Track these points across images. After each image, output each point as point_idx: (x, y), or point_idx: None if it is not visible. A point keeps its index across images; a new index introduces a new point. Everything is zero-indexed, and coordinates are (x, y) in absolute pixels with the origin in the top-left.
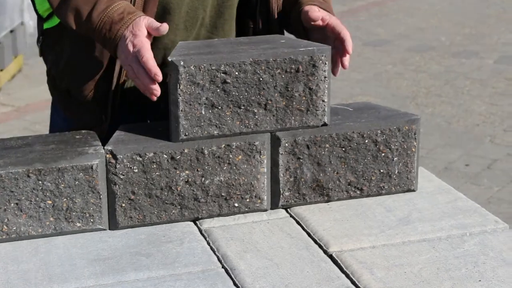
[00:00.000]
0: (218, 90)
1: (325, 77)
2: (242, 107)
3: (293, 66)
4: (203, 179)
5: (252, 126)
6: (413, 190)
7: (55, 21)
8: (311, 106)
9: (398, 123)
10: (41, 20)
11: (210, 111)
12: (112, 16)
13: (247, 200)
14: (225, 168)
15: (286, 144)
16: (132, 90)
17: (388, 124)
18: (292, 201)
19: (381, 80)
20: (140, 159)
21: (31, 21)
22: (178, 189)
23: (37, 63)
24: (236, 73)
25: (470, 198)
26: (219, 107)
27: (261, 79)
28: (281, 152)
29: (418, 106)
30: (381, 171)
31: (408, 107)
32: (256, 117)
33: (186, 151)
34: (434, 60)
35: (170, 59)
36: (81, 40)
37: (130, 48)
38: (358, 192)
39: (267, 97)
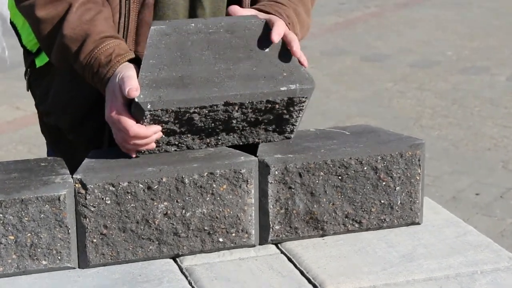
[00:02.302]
0: (183, 122)
1: (300, 110)
2: (204, 133)
3: (269, 106)
4: (183, 211)
5: (213, 143)
6: (418, 223)
7: (45, 58)
8: (278, 128)
9: (400, 148)
10: (29, 54)
11: (170, 136)
12: (99, 58)
13: (233, 234)
14: (208, 199)
15: (276, 172)
16: None
17: (390, 150)
18: (283, 235)
19: (381, 99)
20: (113, 189)
21: None
22: (156, 222)
23: None
24: (206, 111)
25: (481, 232)
26: (180, 134)
27: (231, 116)
28: (270, 181)
29: (422, 129)
30: (382, 201)
31: (412, 130)
32: (219, 137)
33: (164, 180)
34: (439, 76)
35: (136, 100)
36: (69, 73)
37: (113, 105)
38: (357, 225)
39: (234, 125)
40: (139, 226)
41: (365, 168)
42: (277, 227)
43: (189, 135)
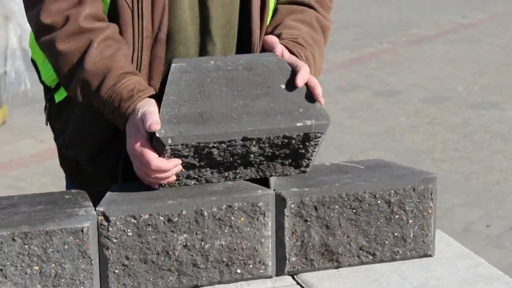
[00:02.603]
0: (202, 157)
1: (316, 145)
2: (223, 167)
3: (286, 140)
4: (202, 243)
5: (231, 177)
6: (430, 255)
7: (63, 93)
8: (294, 162)
9: (413, 182)
10: (48, 90)
11: (190, 170)
12: (121, 93)
13: (250, 266)
14: (226, 231)
15: (292, 205)
16: None
17: (402, 184)
18: (299, 267)
19: (393, 133)
20: (135, 221)
21: (12, 70)
22: (176, 254)
23: (23, 115)
24: (224, 146)
25: (492, 264)
26: (199, 168)
27: (249, 150)
28: (286, 214)
29: (434, 162)
30: (395, 234)
31: (424, 163)
32: (237, 171)
33: (184, 212)
34: (451, 111)
35: (157, 135)
36: (87, 107)
37: (136, 139)
38: (371, 257)
39: (252, 160)
40: (160, 257)
41: (379, 201)
42: (293, 259)
43: (208, 169)
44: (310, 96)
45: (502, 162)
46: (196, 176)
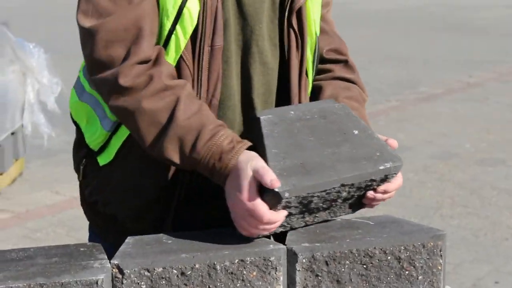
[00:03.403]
0: (301, 206)
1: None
2: (309, 212)
3: (370, 183)
4: None
5: (310, 221)
6: None
7: (109, 156)
8: (358, 203)
9: (422, 239)
10: (90, 151)
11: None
12: (221, 145)
13: None
14: (238, 285)
15: (304, 260)
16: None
17: (412, 240)
18: None
19: (402, 189)
20: (149, 274)
21: (29, 123)
22: None
23: (39, 167)
24: (324, 194)
25: None
26: (291, 216)
27: (340, 195)
28: (298, 269)
29: (443, 218)
30: None
31: (432, 218)
32: (317, 215)
33: (197, 266)
34: (458, 167)
35: (276, 190)
36: (133, 164)
37: (249, 194)
38: None
39: (337, 203)
40: None
41: (389, 257)
42: None
43: (297, 216)
44: (380, 140)
45: (509, 218)
46: (285, 224)
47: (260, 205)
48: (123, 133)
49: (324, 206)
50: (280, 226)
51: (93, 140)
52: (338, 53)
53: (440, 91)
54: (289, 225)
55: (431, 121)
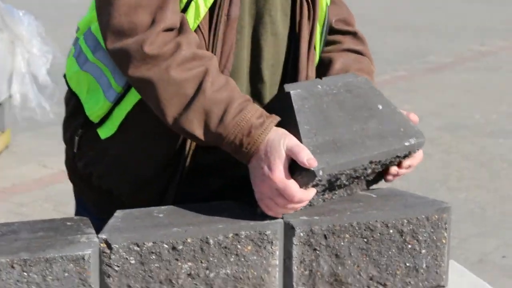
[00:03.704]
0: (329, 183)
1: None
2: (330, 190)
3: (394, 160)
4: (207, 271)
5: (328, 198)
6: (443, 286)
7: (112, 128)
8: (377, 178)
9: (426, 212)
10: (89, 122)
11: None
12: (251, 120)
13: None
14: (232, 260)
15: (301, 234)
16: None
17: (416, 213)
18: None
19: None
20: (138, 249)
21: (18, 94)
22: (180, 282)
23: (26, 139)
24: (352, 171)
25: None
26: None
27: (365, 172)
28: (295, 243)
29: (449, 191)
30: (407, 264)
31: (438, 192)
32: (336, 192)
33: (189, 240)
34: (467, 140)
35: (312, 169)
36: (135, 137)
37: (280, 172)
38: (381, 287)
39: (355, 180)
40: (163, 286)
41: (391, 231)
42: None
43: (319, 193)
44: (404, 115)
45: None
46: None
47: (292, 184)
48: (127, 105)
49: (346, 183)
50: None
51: (94, 112)
52: (347, 24)
53: (450, 60)
54: (309, 203)
55: (439, 92)
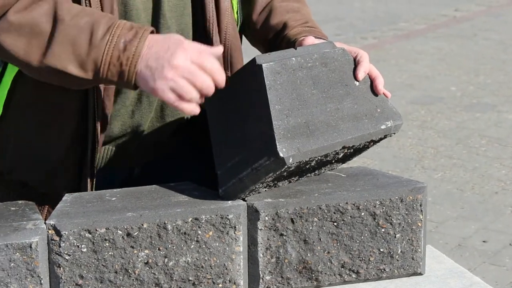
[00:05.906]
0: (298, 169)
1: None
2: (299, 174)
3: (368, 144)
4: (166, 260)
5: (294, 180)
6: (420, 274)
7: None
8: (348, 159)
9: (400, 192)
10: None
11: (275, 181)
12: (122, 34)
13: (220, 285)
14: (192, 246)
15: (266, 218)
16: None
17: (389, 194)
18: (274, 286)
19: None
20: (90, 235)
21: None
22: (136, 272)
23: None
24: (323, 157)
25: (489, 283)
26: (282, 178)
27: (336, 157)
28: (260, 228)
29: (424, 170)
30: (381, 250)
31: (413, 171)
32: (303, 175)
33: (145, 226)
34: (443, 114)
35: (281, 155)
36: (27, 116)
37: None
38: (354, 275)
39: (325, 164)
40: (118, 276)
41: (363, 213)
42: (267, 278)
43: (287, 177)
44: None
45: (499, 170)
46: (271, 184)
47: (206, 52)
48: (6, 82)
49: (315, 167)
50: (265, 187)
51: None
52: None
53: (422, 27)
54: (274, 186)
55: (411, 61)
